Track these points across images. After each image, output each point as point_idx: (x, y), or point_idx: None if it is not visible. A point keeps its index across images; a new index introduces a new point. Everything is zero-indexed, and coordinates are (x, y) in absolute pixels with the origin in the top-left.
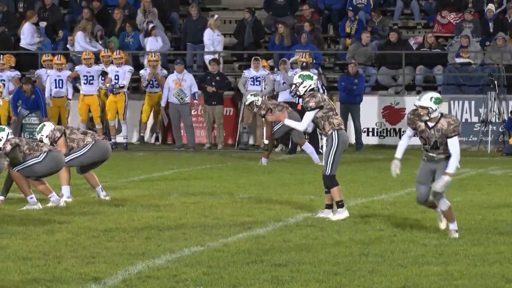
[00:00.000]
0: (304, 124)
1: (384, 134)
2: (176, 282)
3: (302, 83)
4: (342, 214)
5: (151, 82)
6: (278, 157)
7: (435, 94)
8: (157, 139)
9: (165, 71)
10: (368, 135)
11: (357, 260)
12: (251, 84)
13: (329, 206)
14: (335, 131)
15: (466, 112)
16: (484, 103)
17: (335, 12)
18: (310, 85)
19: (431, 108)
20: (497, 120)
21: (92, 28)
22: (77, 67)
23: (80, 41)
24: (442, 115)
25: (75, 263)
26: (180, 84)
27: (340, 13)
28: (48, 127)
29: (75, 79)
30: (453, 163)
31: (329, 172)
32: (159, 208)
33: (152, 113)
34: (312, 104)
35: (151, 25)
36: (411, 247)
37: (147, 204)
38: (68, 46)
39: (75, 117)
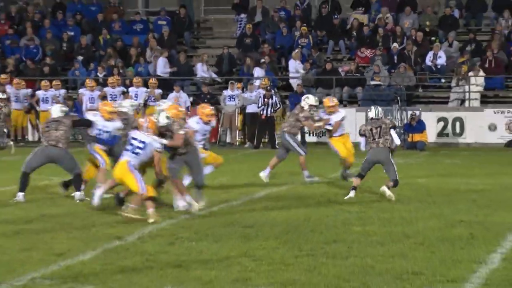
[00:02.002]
0: None
1: (321, 135)
2: (175, 239)
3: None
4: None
5: (151, 97)
6: (247, 151)
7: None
8: None
9: (160, 90)
10: (309, 135)
11: (302, 223)
12: (228, 100)
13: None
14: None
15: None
16: (391, 113)
17: (286, 49)
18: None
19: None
20: (399, 125)
21: (115, 61)
22: (105, 88)
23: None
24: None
25: (103, 227)
26: (178, 99)
27: (289, 50)
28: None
29: (104, 97)
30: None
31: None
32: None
33: None
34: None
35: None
36: (339, 213)
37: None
38: (98, 73)
39: None
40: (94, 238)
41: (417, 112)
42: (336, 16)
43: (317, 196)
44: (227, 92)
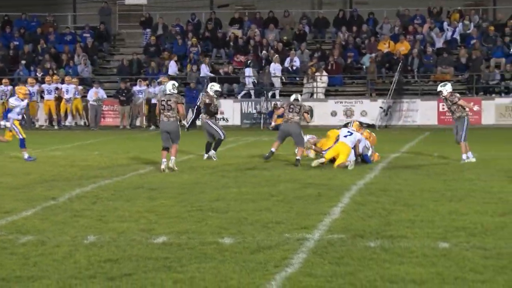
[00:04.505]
0: None
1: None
2: (97, 199)
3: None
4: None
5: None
6: (151, 132)
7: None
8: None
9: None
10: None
11: (193, 186)
12: (137, 94)
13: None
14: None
15: (251, 108)
16: (259, 103)
17: (181, 55)
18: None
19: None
20: (265, 112)
21: (50, 64)
22: (42, 85)
23: None
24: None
25: (42, 189)
26: (97, 94)
27: (183, 56)
28: None
29: (41, 91)
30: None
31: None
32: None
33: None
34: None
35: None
36: (221, 178)
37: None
38: (37, 74)
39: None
40: (34, 198)
41: (278, 103)
42: (219, 31)
43: (206, 167)
44: (136, 87)
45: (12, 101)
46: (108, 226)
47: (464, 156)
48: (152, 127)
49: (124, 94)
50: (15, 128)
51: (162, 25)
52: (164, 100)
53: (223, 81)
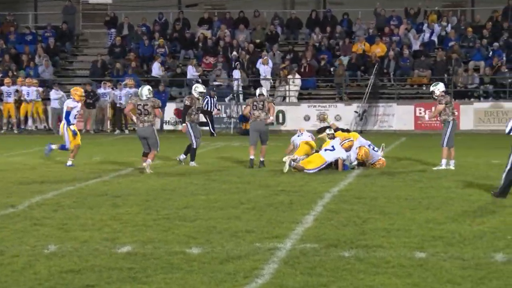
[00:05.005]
0: None
1: (175, 124)
2: (58, 207)
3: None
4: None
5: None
6: (116, 136)
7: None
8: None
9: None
10: (167, 124)
11: (160, 192)
12: (101, 97)
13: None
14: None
15: (223, 112)
16: (229, 107)
17: (147, 57)
18: None
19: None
20: (236, 116)
21: (9, 65)
22: (1, 87)
23: None
24: None
25: (1, 197)
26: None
27: (150, 57)
28: None
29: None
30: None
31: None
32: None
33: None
34: None
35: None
36: (189, 185)
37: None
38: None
39: None
40: None
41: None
42: (187, 31)
43: (173, 172)
44: (100, 90)
45: (69, 103)
46: (70, 235)
47: (443, 162)
48: (117, 131)
49: (90, 97)
50: (65, 133)
51: (128, 25)
52: (140, 105)
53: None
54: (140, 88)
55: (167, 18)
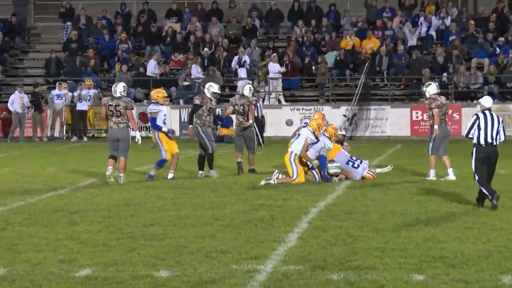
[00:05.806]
0: None
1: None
2: (7, 224)
3: None
4: None
5: None
6: (73, 144)
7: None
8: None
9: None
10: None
11: (123, 208)
12: (56, 99)
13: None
14: None
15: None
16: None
17: (107, 54)
18: None
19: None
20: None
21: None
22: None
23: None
24: None
25: None
26: (22, 99)
27: (111, 54)
28: None
29: None
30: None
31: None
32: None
33: None
34: None
35: None
36: (157, 199)
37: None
38: None
39: None
40: None
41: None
42: (153, 24)
43: (136, 184)
44: (55, 92)
45: (152, 107)
46: (21, 257)
47: (431, 173)
48: (74, 138)
49: (41, 99)
50: (159, 142)
51: (86, 17)
52: (112, 105)
53: (158, 84)
54: (114, 85)
55: (130, 9)
